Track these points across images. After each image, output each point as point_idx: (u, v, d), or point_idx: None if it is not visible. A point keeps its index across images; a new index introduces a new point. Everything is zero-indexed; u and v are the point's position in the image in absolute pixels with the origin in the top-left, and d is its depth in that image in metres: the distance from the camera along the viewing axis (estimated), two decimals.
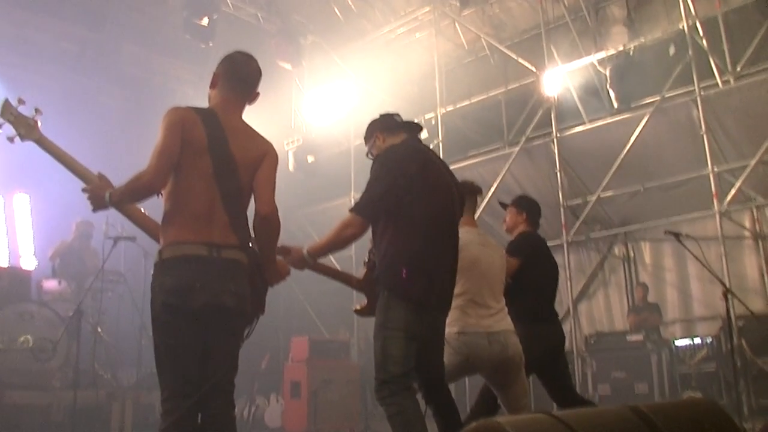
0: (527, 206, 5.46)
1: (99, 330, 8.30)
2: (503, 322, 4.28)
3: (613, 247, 11.34)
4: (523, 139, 10.95)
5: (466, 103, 12.16)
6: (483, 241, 4.50)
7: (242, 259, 3.12)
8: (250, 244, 3.25)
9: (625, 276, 11.08)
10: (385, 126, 4.26)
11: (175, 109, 3.16)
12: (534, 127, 10.90)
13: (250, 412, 9.65)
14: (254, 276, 3.21)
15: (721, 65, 9.71)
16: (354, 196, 13.20)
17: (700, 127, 9.20)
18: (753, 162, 8.92)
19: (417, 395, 3.52)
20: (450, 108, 12.14)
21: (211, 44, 11.13)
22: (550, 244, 10.74)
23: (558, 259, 11.21)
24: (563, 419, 1.78)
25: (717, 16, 9.96)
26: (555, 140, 10.53)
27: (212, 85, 3.40)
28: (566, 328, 11.13)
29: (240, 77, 3.37)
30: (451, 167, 11.98)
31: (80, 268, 8.87)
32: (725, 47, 9.89)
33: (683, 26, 9.60)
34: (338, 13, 12.94)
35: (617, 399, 8.35)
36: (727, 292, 6.38)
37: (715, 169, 9.14)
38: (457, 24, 12.55)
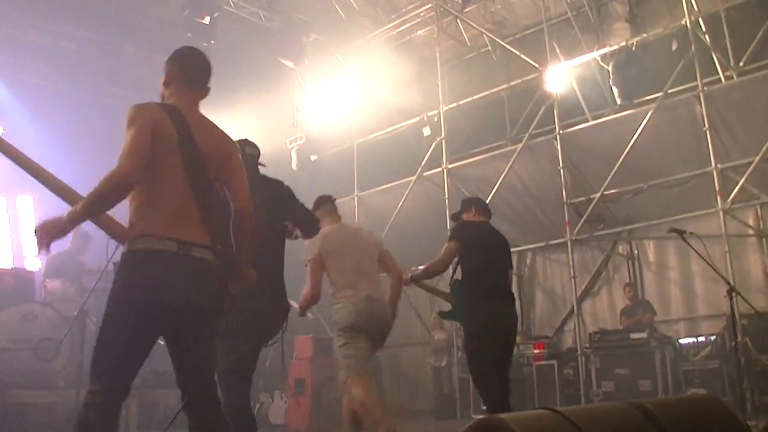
0: (470, 202, 6.23)
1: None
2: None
3: (617, 245, 11.32)
4: (526, 136, 10.92)
5: (469, 100, 12.14)
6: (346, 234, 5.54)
7: (210, 258, 3.09)
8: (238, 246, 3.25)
9: (629, 274, 11.06)
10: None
11: (141, 106, 3.11)
12: (536, 124, 10.87)
13: (254, 409, 9.66)
14: (223, 275, 3.18)
15: (723, 61, 9.69)
16: (357, 195, 13.20)
17: (703, 123, 9.17)
18: (757, 159, 8.87)
19: None
20: (452, 105, 12.12)
21: (213, 42, 11.13)
22: (553, 242, 10.90)
23: (562, 257, 11.33)
24: (566, 415, 1.78)
25: (719, 11, 9.95)
26: (558, 137, 10.51)
27: (166, 83, 3.37)
28: (570, 326, 11.16)
29: (195, 72, 3.35)
30: (454, 165, 12.03)
31: (78, 269, 8.87)
32: (728, 43, 9.87)
33: (686, 22, 9.58)
34: (340, 11, 12.94)
35: (621, 396, 8.35)
36: (731, 290, 6.36)
37: (719, 167, 9.12)
38: (458, 20, 12.54)
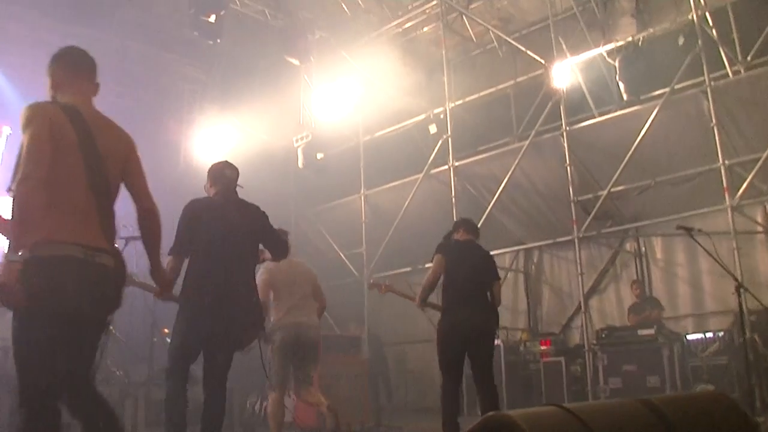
0: (460, 223, 7.00)
1: (111, 328, 8.32)
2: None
3: (624, 242, 11.29)
4: (533, 133, 10.89)
5: (475, 97, 12.11)
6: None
7: (110, 263, 3.07)
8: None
9: (637, 271, 11.03)
10: None
11: (37, 105, 3.04)
12: (543, 121, 10.84)
13: (261, 407, 9.68)
14: (119, 281, 3.19)
15: (731, 55, 9.64)
16: (364, 193, 13.19)
17: (711, 119, 9.12)
18: (765, 155, 8.80)
19: None
20: (458, 102, 12.10)
21: (219, 41, 11.13)
22: (561, 239, 10.88)
23: (569, 254, 11.30)
24: (574, 412, 1.77)
25: (726, 5, 9.89)
26: (564, 134, 10.48)
27: (55, 87, 3.31)
28: (577, 323, 11.14)
29: (85, 69, 3.35)
30: (461, 162, 12.01)
31: None
32: (735, 37, 9.82)
33: (692, 16, 9.52)
34: (345, 9, 12.93)
35: (628, 393, 8.33)
36: (739, 287, 6.34)
37: (726, 163, 9.06)
38: (464, 17, 12.51)
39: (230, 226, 4.71)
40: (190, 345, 4.70)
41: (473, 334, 6.16)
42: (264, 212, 5.03)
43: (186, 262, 4.75)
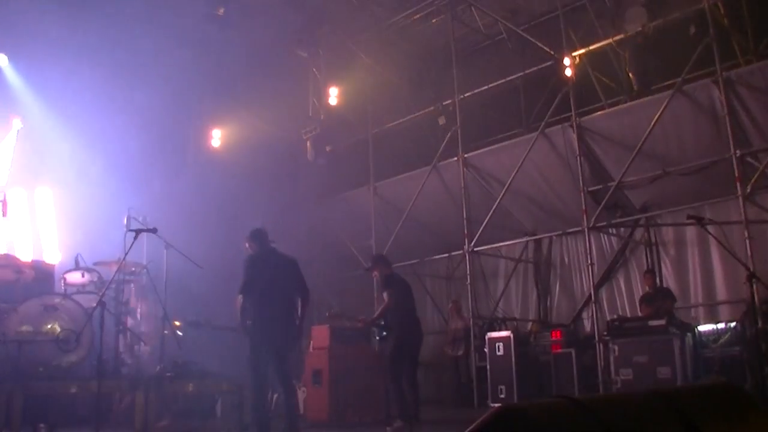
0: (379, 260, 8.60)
1: (122, 320, 8.38)
2: None
3: (635, 232, 11.25)
4: (542, 124, 10.86)
5: (484, 88, 12.07)
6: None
7: None
8: None
9: (647, 261, 10.99)
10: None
11: None
12: (553, 112, 10.80)
13: (272, 400, 9.71)
14: None
15: (743, 44, 9.56)
16: (373, 185, 13.19)
17: (722, 108, 9.06)
18: None
19: None
20: (467, 94, 12.06)
21: (227, 33, 11.13)
22: (571, 230, 10.84)
23: (579, 245, 11.28)
24: (583, 403, 1.76)
25: None
26: (574, 125, 10.44)
27: None
28: (587, 313, 11.12)
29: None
30: (470, 154, 11.99)
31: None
32: (747, 26, 9.73)
33: (704, 5, 9.44)
34: (353, 0, 12.87)
35: (639, 383, 8.31)
36: (751, 277, 6.31)
37: (738, 153, 9.00)
38: (473, 8, 12.45)
39: (275, 273, 6.67)
40: (260, 356, 6.51)
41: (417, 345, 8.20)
42: (295, 260, 6.91)
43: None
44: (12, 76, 11.60)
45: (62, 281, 8.99)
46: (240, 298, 6.45)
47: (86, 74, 11.31)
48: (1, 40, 11.14)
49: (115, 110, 11.40)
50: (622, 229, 11.30)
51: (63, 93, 11.30)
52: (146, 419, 7.66)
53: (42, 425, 7.63)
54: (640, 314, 9.66)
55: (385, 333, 8.33)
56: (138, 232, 7.50)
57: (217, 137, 13.49)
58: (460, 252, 11.91)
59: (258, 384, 6.57)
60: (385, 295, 8.32)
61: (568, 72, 10.57)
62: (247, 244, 6.92)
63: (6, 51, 11.44)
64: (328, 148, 12.54)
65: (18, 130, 11.57)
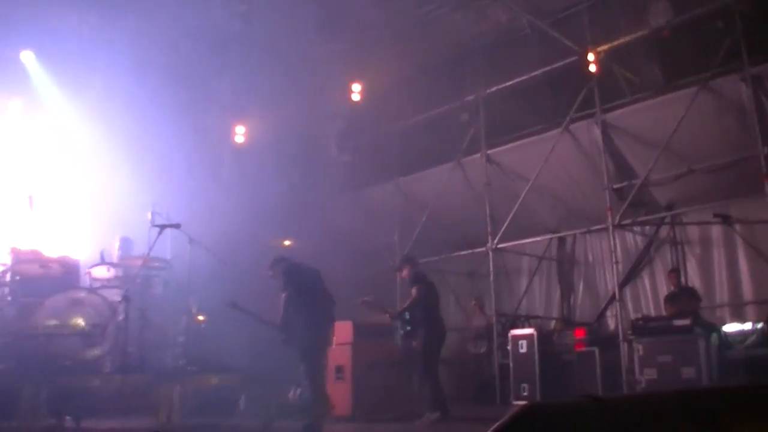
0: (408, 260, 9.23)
1: (146, 315, 8.46)
2: None
3: (660, 230, 11.13)
4: (566, 120, 10.78)
5: (507, 84, 11.99)
6: None
7: None
8: None
9: (672, 260, 10.87)
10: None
11: None
12: (577, 108, 10.71)
13: (295, 395, 9.76)
14: None
15: None
16: (398, 181, 13.18)
17: (750, 105, 8.93)
18: None
19: None
20: (491, 90, 12.01)
21: (249, 29, 11.17)
22: (595, 228, 10.77)
23: (603, 243, 11.18)
24: (608, 402, 1.75)
25: None
26: (599, 121, 10.35)
27: None
28: (611, 312, 11.04)
29: None
30: (493, 150, 11.90)
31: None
32: None
33: None
34: None
35: (664, 383, 8.23)
36: None
37: (766, 150, 8.85)
38: (496, 2, 12.35)
39: (315, 281, 7.54)
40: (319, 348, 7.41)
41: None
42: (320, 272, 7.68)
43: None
44: (38, 71, 11.75)
45: (88, 276, 9.10)
46: (284, 299, 7.10)
47: (111, 70, 11.45)
48: (27, 37, 11.27)
49: (140, 106, 11.50)
50: (647, 227, 11.19)
51: (88, 88, 11.44)
52: (170, 412, 7.74)
53: (68, 417, 7.74)
54: (664, 313, 9.57)
55: (409, 328, 8.49)
56: (162, 227, 7.59)
57: (240, 133, 13.55)
58: (483, 249, 11.88)
59: (321, 379, 7.43)
60: (413, 290, 8.66)
61: (592, 67, 10.48)
62: (270, 273, 7.51)
63: (32, 47, 11.58)
64: (353, 143, 12.56)
65: (44, 126, 11.74)
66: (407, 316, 8.65)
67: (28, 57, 11.63)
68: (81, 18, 11.13)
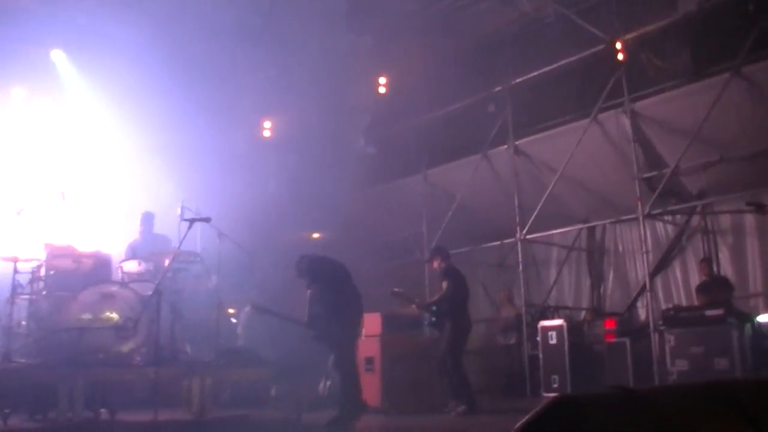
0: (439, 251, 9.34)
1: (177, 308, 8.55)
2: None
3: (691, 219, 10.99)
4: (595, 110, 10.67)
5: (534, 74, 11.89)
6: None
7: None
8: None
9: (704, 249, 10.74)
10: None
11: None
12: (605, 97, 10.60)
13: (325, 387, 9.82)
14: None
15: None
16: (425, 173, 13.16)
17: None
18: None
19: None
20: (518, 80, 11.93)
21: (276, 22, 11.22)
22: (625, 218, 10.67)
23: (633, 233, 11.07)
24: (640, 394, 1.74)
25: None
26: (628, 110, 10.24)
27: None
28: (642, 302, 10.94)
29: None
30: (521, 141, 11.87)
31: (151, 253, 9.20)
32: None
33: None
34: None
35: (696, 375, 8.15)
36: None
37: None
38: None
39: (345, 277, 7.65)
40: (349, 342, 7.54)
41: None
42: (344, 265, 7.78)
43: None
44: (69, 69, 11.91)
45: (119, 270, 9.22)
46: (309, 295, 7.24)
47: (141, 67, 11.55)
48: (57, 35, 11.43)
49: (170, 101, 11.62)
50: (677, 217, 11.05)
51: (119, 85, 11.56)
52: (202, 405, 7.82)
53: (102, 410, 7.87)
54: (696, 304, 9.45)
55: (434, 319, 8.56)
56: (192, 221, 7.66)
57: (267, 128, 13.63)
58: (512, 240, 11.83)
59: (355, 371, 7.54)
60: (444, 284, 8.76)
61: (620, 56, 10.36)
62: (296, 273, 7.60)
63: (62, 46, 11.74)
64: (379, 135, 12.57)
65: (75, 123, 11.91)
66: (434, 308, 8.73)
67: (58, 55, 11.79)
68: (110, 15, 11.25)
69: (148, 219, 9.94)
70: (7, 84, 11.27)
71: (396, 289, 9.11)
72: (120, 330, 7.98)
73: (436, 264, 9.08)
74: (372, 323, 9.51)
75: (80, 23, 11.30)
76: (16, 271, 8.22)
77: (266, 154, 13.68)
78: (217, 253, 8.78)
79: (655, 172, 10.34)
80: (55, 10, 10.88)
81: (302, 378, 9.54)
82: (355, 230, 13.18)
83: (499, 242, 12.49)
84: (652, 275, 10.55)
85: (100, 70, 11.69)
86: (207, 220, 7.69)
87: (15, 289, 8.12)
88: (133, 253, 9.51)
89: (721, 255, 10.57)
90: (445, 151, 13.07)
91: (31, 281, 8.60)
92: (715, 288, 9.33)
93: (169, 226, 9.57)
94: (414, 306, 9.07)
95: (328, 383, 9.66)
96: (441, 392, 9.12)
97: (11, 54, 10.56)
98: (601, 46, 10.83)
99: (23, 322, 8.50)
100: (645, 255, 10.17)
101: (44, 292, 8.62)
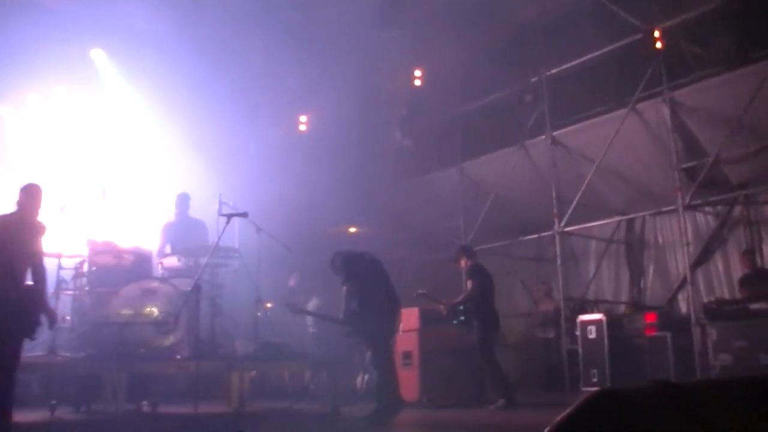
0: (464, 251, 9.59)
1: (216, 303, 8.66)
2: None
3: (733, 210, 10.77)
4: (633, 99, 10.51)
5: (571, 64, 11.74)
6: None
7: None
8: None
9: (746, 241, 10.51)
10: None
11: None
12: (644, 86, 10.42)
13: (363, 381, 9.87)
14: None
15: None
16: (462, 165, 13.10)
17: None
18: None
19: None
20: (554, 70, 11.80)
21: (312, 16, 11.26)
22: (664, 209, 10.49)
23: (674, 224, 10.90)
24: (683, 388, 1.71)
25: None
26: (667, 99, 10.06)
27: None
28: (683, 295, 10.76)
29: None
30: (558, 132, 11.74)
31: (187, 240, 9.30)
32: None
33: None
34: None
35: (740, 369, 7.99)
36: None
37: None
38: None
39: (382, 272, 7.59)
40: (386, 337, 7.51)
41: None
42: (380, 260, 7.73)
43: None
44: (108, 67, 12.11)
45: (159, 266, 9.36)
46: (345, 292, 7.28)
47: (180, 64, 11.70)
48: (96, 34, 11.62)
49: (207, 98, 11.75)
50: (718, 207, 10.84)
51: (157, 83, 11.73)
52: (241, 398, 7.92)
53: (144, 403, 8.01)
54: (739, 296, 9.28)
55: (462, 318, 8.87)
56: (230, 216, 7.73)
57: (303, 122, 13.70)
58: (550, 233, 11.73)
59: (392, 367, 7.49)
60: (468, 284, 8.98)
61: (659, 44, 10.19)
62: (332, 270, 7.59)
63: (103, 45, 11.94)
64: (415, 128, 12.56)
65: (115, 121, 12.11)
66: (460, 307, 8.90)
67: (98, 54, 11.99)
68: (147, 12, 11.39)
69: (183, 200, 10.00)
70: (49, 83, 11.49)
71: (421, 291, 9.26)
72: (161, 324, 8.12)
73: (462, 263, 9.33)
74: (410, 318, 9.53)
75: (119, 22, 11.48)
76: (60, 267, 8.40)
77: (303, 149, 13.75)
78: (256, 248, 8.87)
79: (695, 162, 10.15)
80: (95, 9, 11.06)
81: (340, 371, 9.60)
82: (392, 224, 13.20)
83: (536, 235, 12.39)
84: (693, 268, 10.37)
85: (139, 68, 11.87)
86: (244, 215, 7.76)
87: (59, 284, 8.31)
88: (167, 235, 9.63)
89: (764, 246, 10.34)
90: (482, 142, 12.99)
91: (75, 277, 8.79)
92: (759, 280, 9.14)
93: (207, 221, 9.71)
94: (441, 306, 9.17)
95: (366, 377, 9.70)
96: (480, 386, 9.11)
97: (53, 54, 10.75)
98: (638, 35, 10.66)
99: (67, 317, 8.69)
100: (685, 247, 10.00)
101: (87, 288, 8.80)
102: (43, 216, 6.15)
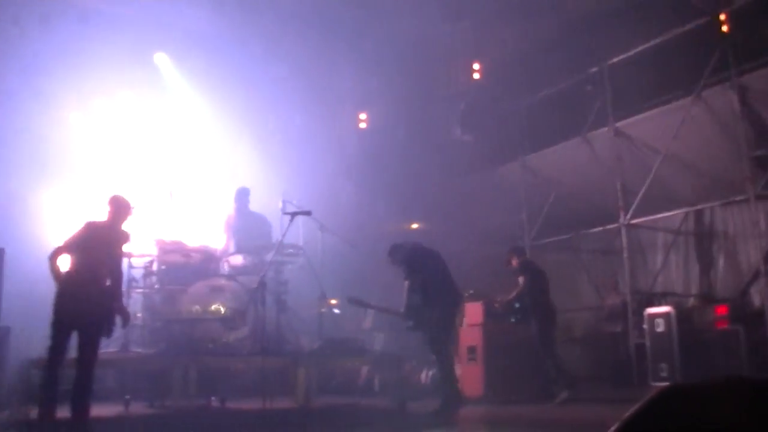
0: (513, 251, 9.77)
1: (281, 300, 8.79)
2: None
3: None
4: (700, 86, 10.21)
5: (632, 52, 11.47)
6: None
7: None
8: None
9: None
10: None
11: None
12: (711, 72, 10.12)
13: (427, 376, 9.88)
14: None
15: None
16: (524, 159, 12.97)
17: None
18: None
19: None
20: (615, 59, 11.56)
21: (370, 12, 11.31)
22: (735, 199, 10.18)
23: (744, 215, 10.56)
24: (757, 384, 1.68)
25: None
26: (735, 85, 9.75)
27: None
28: (756, 288, 10.43)
29: None
30: (622, 123, 11.50)
31: (250, 234, 9.47)
32: None
33: None
34: None
35: None
36: None
37: None
38: None
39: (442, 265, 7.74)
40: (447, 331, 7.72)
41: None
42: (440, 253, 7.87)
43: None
44: (172, 71, 12.40)
45: (225, 264, 9.56)
46: (407, 286, 7.35)
47: (241, 65, 11.91)
48: (160, 40, 11.91)
49: (269, 98, 11.92)
50: None
51: (220, 85, 11.97)
52: (307, 393, 8.03)
53: (214, 397, 8.20)
54: None
55: (519, 315, 9.16)
56: (293, 215, 7.84)
57: (363, 119, 13.77)
58: (616, 225, 11.52)
59: (452, 362, 7.68)
60: (520, 279, 9.19)
61: (725, 28, 9.88)
62: (390, 261, 7.77)
63: (165, 49, 12.24)
64: (476, 122, 12.49)
65: (180, 123, 12.39)
66: (516, 305, 9.16)
67: (161, 58, 12.30)
68: (207, 15, 11.62)
69: (242, 195, 10.19)
70: (115, 88, 11.83)
71: (471, 292, 9.53)
72: (228, 321, 8.30)
73: (514, 263, 9.47)
74: (474, 312, 9.50)
75: (180, 26, 11.74)
76: (131, 266, 8.67)
77: (363, 145, 13.82)
78: (319, 245, 8.97)
79: (766, 150, 9.81)
80: (157, 15, 11.34)
81: (405, 366, 9.64)
82: (454, 219, 13.15)
83: (602, 228, 12.18)
84: (767, 259, 10.04)
85: (200, 70, 12.12)
86: (308, 213, 7.86)
87: (130, 283, 8.57)
88: (230, 231, 9.83)
89: None
90: (543, 135, 12.83)
91: (145, 275, 9.06)
92: None
93: (271, 219, 9.86)
94: (495, 305, 9.38)
95: (430, 373, 9.71)
96: (545, 381, 9.02)
97: (117, 60, 11.07)
98: (703, 19, 10.35)
99: (139, 314, 8.97)
100: (759, 239, 9.68)
101: (157, 286, 9.07)
102: (127, 225, 6.60)
